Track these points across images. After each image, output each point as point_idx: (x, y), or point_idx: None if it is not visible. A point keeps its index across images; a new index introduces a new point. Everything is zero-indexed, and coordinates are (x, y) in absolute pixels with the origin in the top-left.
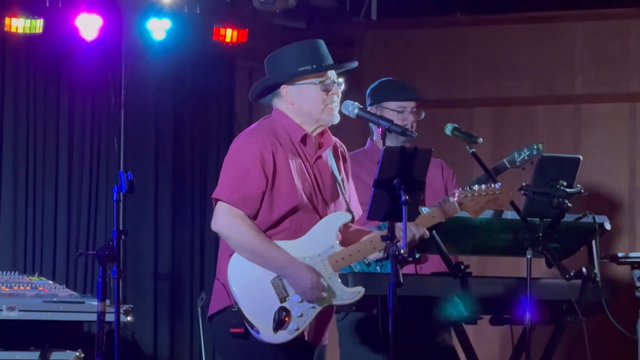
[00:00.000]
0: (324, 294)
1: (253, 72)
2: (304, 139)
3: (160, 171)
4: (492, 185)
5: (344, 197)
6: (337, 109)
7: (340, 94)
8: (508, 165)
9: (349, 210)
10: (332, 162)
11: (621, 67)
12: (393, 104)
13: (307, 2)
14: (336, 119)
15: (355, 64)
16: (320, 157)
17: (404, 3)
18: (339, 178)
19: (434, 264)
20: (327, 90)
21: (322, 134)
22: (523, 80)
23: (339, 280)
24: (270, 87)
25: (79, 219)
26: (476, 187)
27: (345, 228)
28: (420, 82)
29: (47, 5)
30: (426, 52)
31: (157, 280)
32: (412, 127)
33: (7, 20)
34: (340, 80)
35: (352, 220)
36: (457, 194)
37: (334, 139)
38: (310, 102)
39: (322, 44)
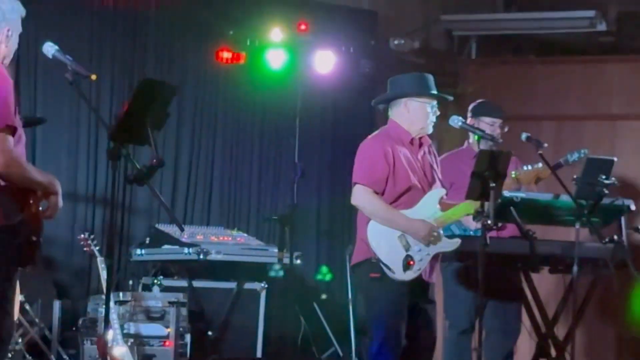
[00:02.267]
0: (435, 240)
1: None
2: (411, 141)
3: (322, 163)
4: (536, 165)
5: (439, 179)
6: (431, 125)
7: (434, 116)
8: (563, 163)
9: (443, 187)
10: (429, 157)
11: None
12: (487, 119)
13: (427, 44)
14: (429, 132)
15: (451, 98)
16: (421, 153)
17: (492, 48)
18: (434, 166)
19: (510, 230)
20: (433, 112)
21: (421, 136)
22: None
23: (444, 235)
24: (393, 98)
25: (266, 194)
26: (525, 167)
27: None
28: (503, 101)
29: (248, 43)
30: (508, 81)
31: (319, 236)
32: (498, 136)
33: (218, 53)
34: (436, 105)
35: (446, 194)
36: (515, 172)
37: (428, 139)
38: (421, 116)
39: (431, 78)
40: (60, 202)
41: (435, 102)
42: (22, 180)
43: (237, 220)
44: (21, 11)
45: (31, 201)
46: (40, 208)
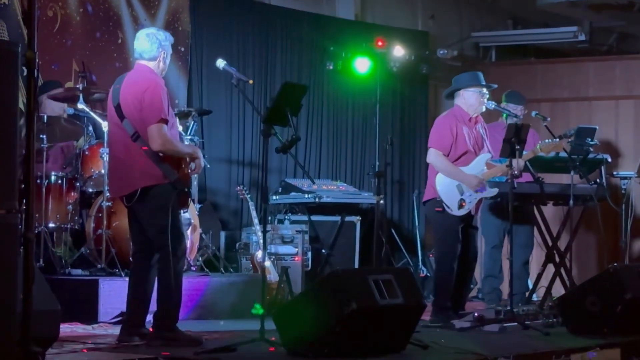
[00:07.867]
0: (482, 189)
1: (437, 87)
2: (470, 119)
3: (394, 135)
4: (554, 139)
5: (487, 147)
6: (484, 106)
7: (486, 100)
8: (563, 136)
9: (489, 152)
10: (481, 130)
11: None
12: (515, 104)
13: (462, 53)
14: (482, 111)
15: (496, 86)
16: (476, 127)
17: (506, 54)
18: (484, 136)
19: (526, 177)
20: (483, 97)
21: (476, 116)
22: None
23: (487, 185)
24: (456, 90)
25: (356, 157)
26: (546, 140)
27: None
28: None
29: (343, 55)
30: (517, 76)
31: (392, 184)
32: (521, 116)
33: (324, 62)
34: (486, 92)
35: (491, 158)
36: (538, 145)
37: (481, 118)
38: (475, 101)
39: (481, 74)
40: (202, 163)
41: (485, 91)
42: (174, 154)
43: (339, 174)
44: (171, 39)
45: (182, 165)
46: (190, 169)
